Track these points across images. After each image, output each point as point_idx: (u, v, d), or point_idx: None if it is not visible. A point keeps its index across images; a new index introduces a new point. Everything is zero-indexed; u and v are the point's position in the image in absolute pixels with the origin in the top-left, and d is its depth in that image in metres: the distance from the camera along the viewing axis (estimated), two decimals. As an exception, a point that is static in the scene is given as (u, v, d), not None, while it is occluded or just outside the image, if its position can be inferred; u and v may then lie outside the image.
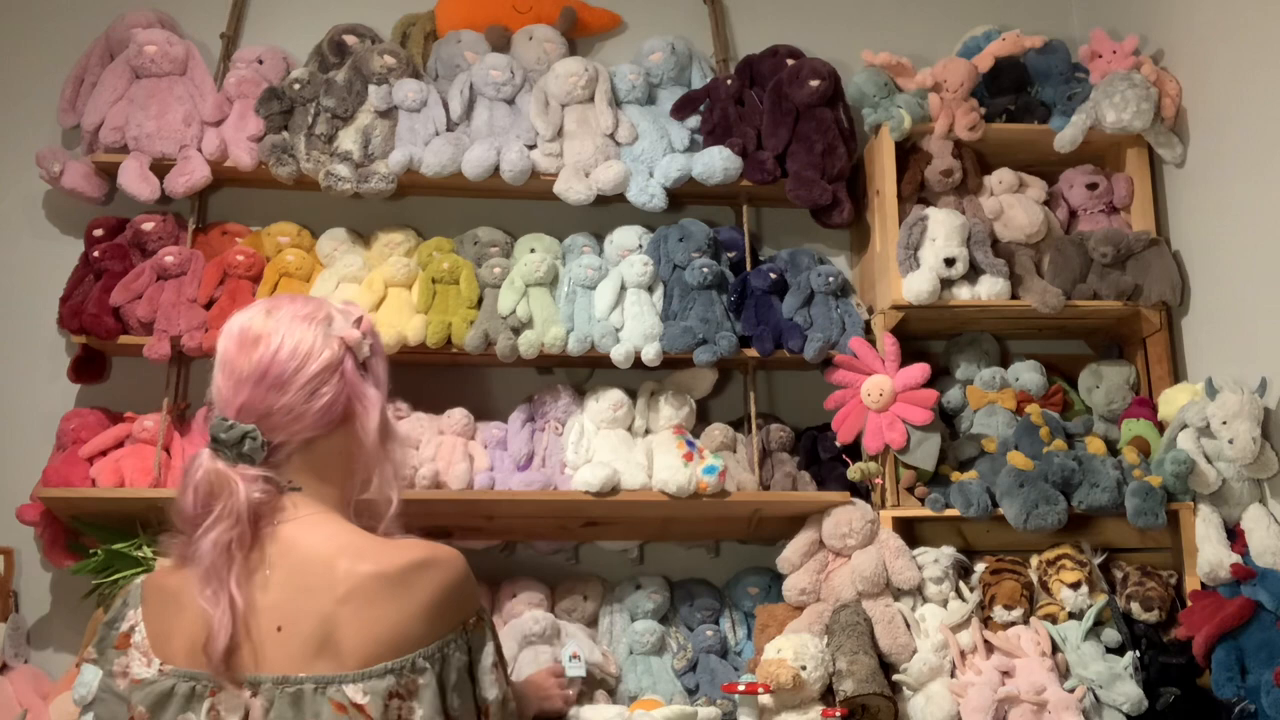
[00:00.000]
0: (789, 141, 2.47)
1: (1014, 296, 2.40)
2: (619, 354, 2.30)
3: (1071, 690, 2.06)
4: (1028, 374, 2.46)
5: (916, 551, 2.23)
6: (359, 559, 1.24)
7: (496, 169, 2.40)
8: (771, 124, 2.48)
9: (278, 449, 1.30)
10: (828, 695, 2.07)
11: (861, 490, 2.33)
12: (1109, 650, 2.13)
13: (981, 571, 2.24)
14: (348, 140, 2.41)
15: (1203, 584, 2.18)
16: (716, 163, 2.41)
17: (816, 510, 2.28)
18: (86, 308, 2.25)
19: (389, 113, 2.45)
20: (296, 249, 2.41)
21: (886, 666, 2.12)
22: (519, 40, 2.62)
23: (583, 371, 2.49)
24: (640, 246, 2.45)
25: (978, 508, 2.22)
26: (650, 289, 2.40)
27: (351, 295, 2.32)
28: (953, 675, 2.11)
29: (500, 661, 1.34)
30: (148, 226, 2.38)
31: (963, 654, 2.12)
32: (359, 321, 1.39)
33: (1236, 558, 2.10)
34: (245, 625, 1.23)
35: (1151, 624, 2.16)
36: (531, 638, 2.20)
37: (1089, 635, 2.13)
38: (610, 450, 2.28)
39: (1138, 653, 2.11)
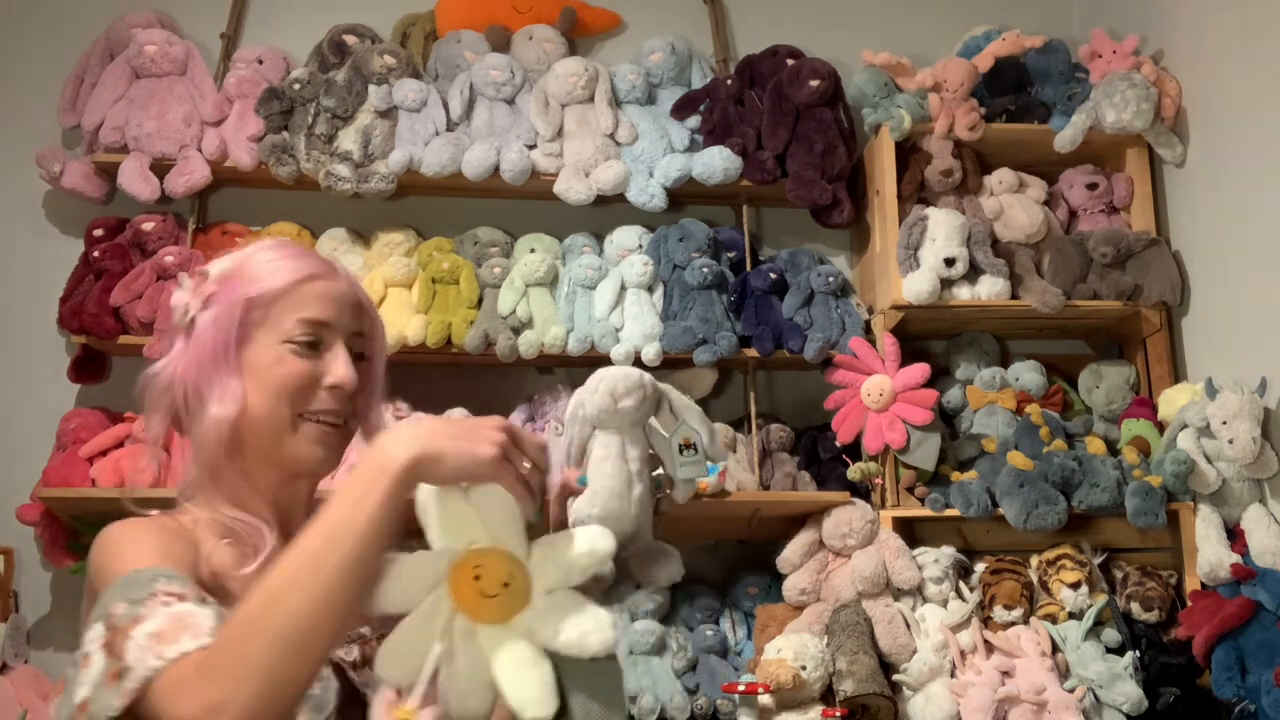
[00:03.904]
0: (789, 141, 2.47)
1: (1014, 296, 2.40)
2: (619, 354, 2.30)
3: (1071, 690, 2.06)
4: (1028, 374, 2.46)
5: (916, 551, 2.23)
6: None
7: (496, 169, 2.40)
8: (771, 124, 2.48)
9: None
10: (828, 695, 2.07)
11: (861, 490, 2.33)
12: (1109, 650, 2.13)
13: (981, 571, 2.23)
14: (348, 140, 2.41)
15: (1203, 584, 2.18)
16: (716, 163, 2.41)
17: (816, 510, 2.28)
18: (86, 308, 2.25)
19: (389, 113, 2.45)
20: (296, 249, 2.40)
21: (886, 666, 2.12)
22: (519, 40, 2.62)
23: (583, 371, 2.47)
24: (640, 246, 2.45)
25: (978, 508, 2.22)
26: (650, 289, 2.40)
27: (351, 295, 2.33)
28: (953, 675, 2.11)
29: (98, 654, 0.93)
30: (148, 226, 2.38)
31: (963, 654, 2.12)
32: (203, 276, 1.17)
33: (1236, 558, 2.10)
34: None
35: (1151, 624, 2.16)
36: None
37: (1089, 635, 2.13)
38: (610, 450, 2.27)
39: (1138, 653, 2.11)
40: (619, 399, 1.18)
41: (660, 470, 1.22)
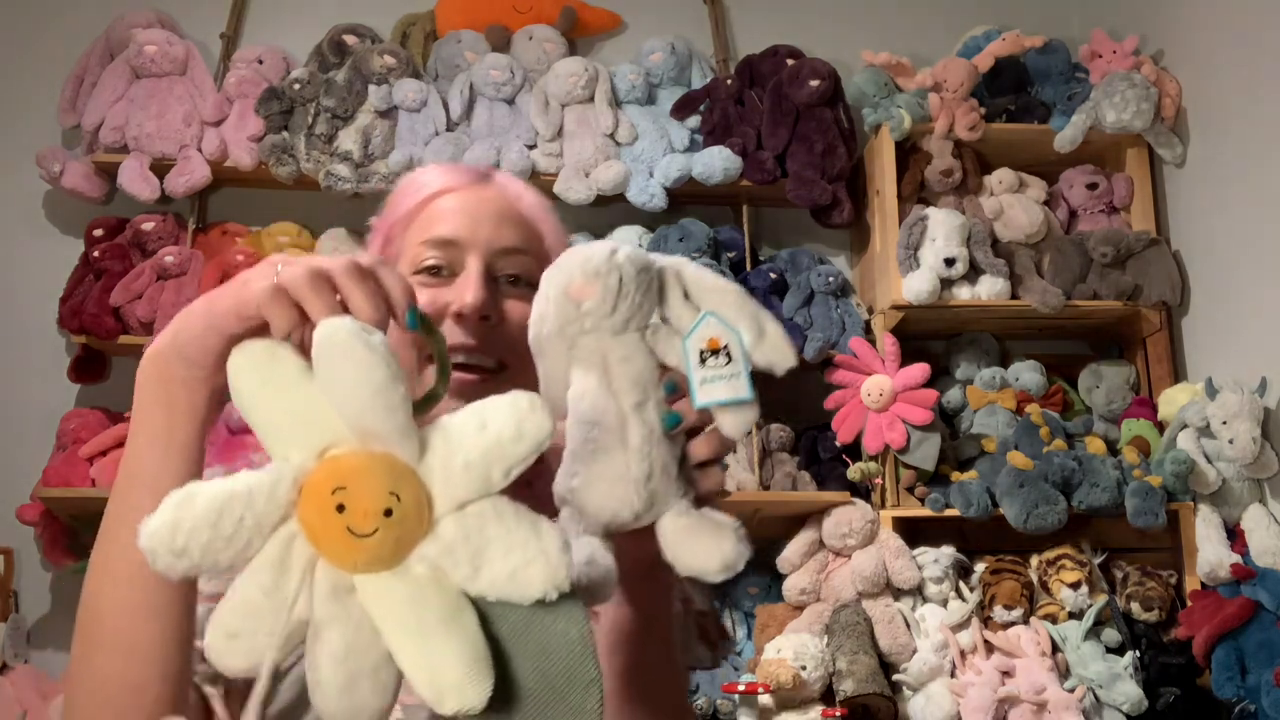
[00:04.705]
0: (789, 141, 2.47)
1: (1014, 296, 2.40)
2: (619, 354, 2.30)
3: (1071, 690, 2.06)
4: (1028, 374, 2.46)
5: (916, 551, 2.23)
6: None
7: (497, 169, 2.40)
8: (771, 124, 2.48)
9: None
10: (828, 695, 2.07)
11: (861, 490, 2.33)
12: (1109, 650, 2.13)
13: (981, 571, 2.23)
14: (348, 140, 2.41)
15: (1203, 584, 2.18)
16: (716, 163, 2.41)
17: (816, 510, 2.28)
18: (86, 308, 2.25)
19: (389, 113, 2.45)
20: (296, 249, 2.41)
21: (886, 666, 2.12)
22: (519, 40, 2.62)
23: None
24: (640, 246, 2.44)
25: (978, 508, 2.22)
26: (650, 289, 2.40)
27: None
28: (953, 675, 2.11)
29: None
30: (148, 226, 2.38)
31: (963, 654, 2.12)
32: None
33: (1236, 558, 2.10)
34: None
35: (1151, 624, 2.16)
36: None
37: (1089, 635, 2.13)
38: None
39: (1138, 653, 2.11)
40: (579, 296, 0.71)
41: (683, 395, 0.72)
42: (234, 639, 0.58)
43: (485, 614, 0.60)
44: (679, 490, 0.71)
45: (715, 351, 0.70)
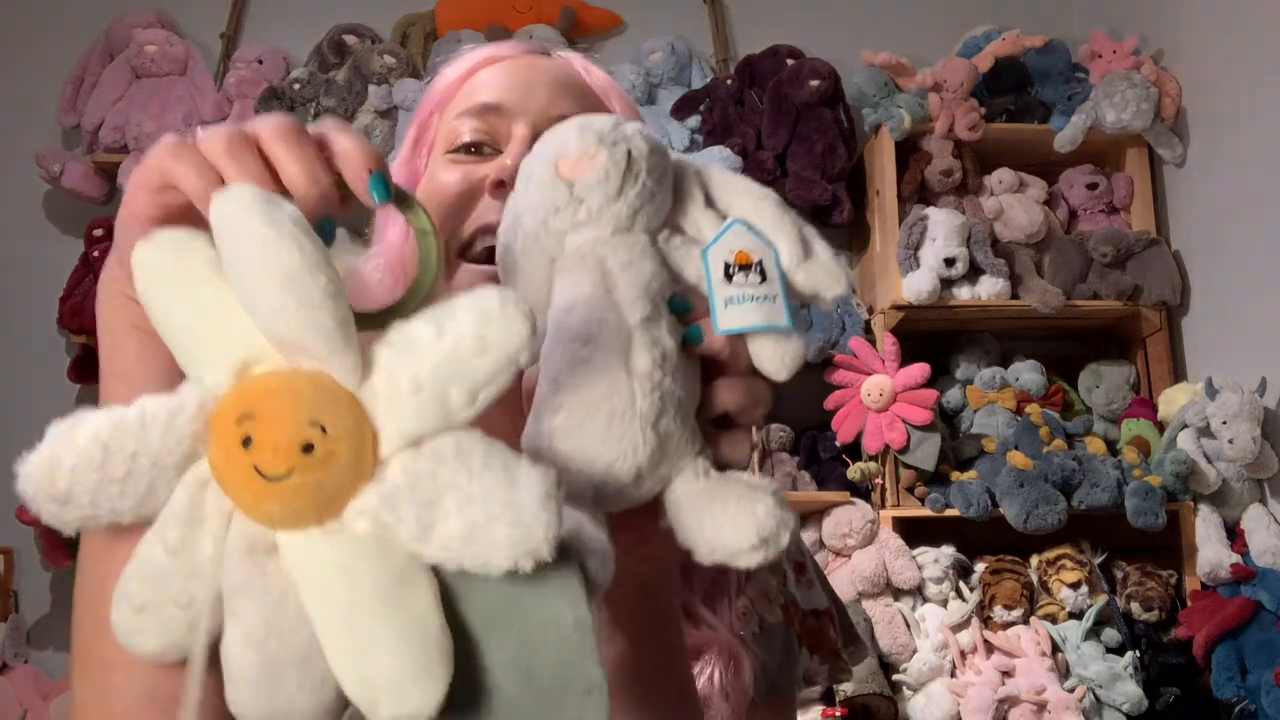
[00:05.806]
0: (789, 141, 2.47)
1: (1014, 296, 2.40)
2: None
3: (1071, 690, 2.06)
4: (1028, 374, 2.46)
5: (916, 551, 2.23)
6: None
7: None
8: (771, 124, 2.48)
9: None
10: (828, 695, 2.07)
11: (861, 490, 2.33)
12: (1109, 650, 2.13)
13: (981, 571, 2.23)
14: (348, 140, 2.41)
15: (1203, 584, 2.18)
16: (716, 163, 2.41)
17: (816, 510, 2.28)
18: (86, 308, 2.25)
19: (389, 113, 2.45)
20: (296, 249, 2.41)
21: (886, 666, 2.12)
22: (519, 40, 2.62)
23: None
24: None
25: (978, 508, 2.22)
26: (650, 289, 2.40)
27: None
28: (953, 675, 2.11)
29: None
30: (148, 226, 2.38)
31: (963, 654, 2.12)
32: None
33: (1236, 558, 2.10)
34: None
35: (1151, 624, 2.16)
36: None
37: (1089, 635, 2.13)
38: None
39: (1138, 653, 2.11)
40: (572, 175, 0.54)
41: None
42: (142, 613, 0.44)
43: (453, 591, 0.44)
44: (695, 445, 0.52)
45: (745, 267, 0.53)
